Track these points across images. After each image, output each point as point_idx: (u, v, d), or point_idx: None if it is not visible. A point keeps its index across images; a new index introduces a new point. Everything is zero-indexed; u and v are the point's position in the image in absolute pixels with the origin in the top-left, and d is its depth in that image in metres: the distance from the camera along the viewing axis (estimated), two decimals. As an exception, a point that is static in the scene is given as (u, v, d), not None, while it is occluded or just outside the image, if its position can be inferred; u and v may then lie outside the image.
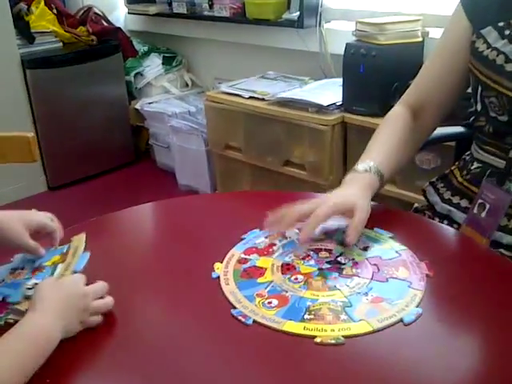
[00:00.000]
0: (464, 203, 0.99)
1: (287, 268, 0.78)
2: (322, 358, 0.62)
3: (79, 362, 0.63)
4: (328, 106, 1.90)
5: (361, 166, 0.89)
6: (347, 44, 1.86)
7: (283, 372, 0.61)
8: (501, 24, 0.91)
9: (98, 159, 2.96)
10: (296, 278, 0.75)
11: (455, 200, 1.01)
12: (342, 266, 0.77)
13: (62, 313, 0.64)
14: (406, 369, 0.59)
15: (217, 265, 0.79)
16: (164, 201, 1.05)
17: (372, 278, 0.74)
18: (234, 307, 0.70)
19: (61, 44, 2.85)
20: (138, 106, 2.94)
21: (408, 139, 0.99)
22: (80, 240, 0.80)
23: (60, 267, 0.75)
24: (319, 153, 1.94)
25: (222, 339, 0.66)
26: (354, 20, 1.93)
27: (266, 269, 0.78)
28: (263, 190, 2.03)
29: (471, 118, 0.98)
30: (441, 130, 1.21)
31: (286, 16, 2.26)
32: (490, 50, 0.91)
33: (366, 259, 0.79)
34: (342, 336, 0.64)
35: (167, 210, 1.04)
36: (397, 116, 1.01)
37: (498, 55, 0.90)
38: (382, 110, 1.77)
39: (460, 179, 1.01)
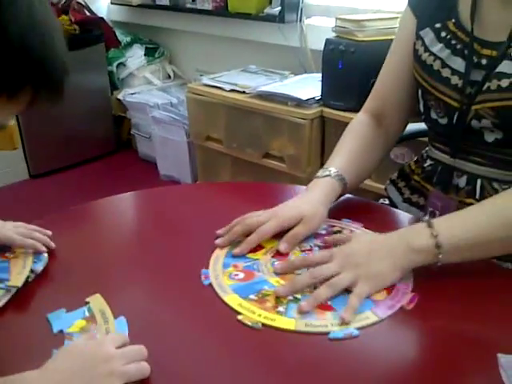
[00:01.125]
0: (422, 201, 1.00)
1: (281, 253, 0.79)
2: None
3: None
4: (307, 100, 1.93)
5: (321, 172, 0.89)
6: (327, 40, 1.88)
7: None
8: (437, 25, 0.90)
9: (80, 148, 2.96)
10: (279, 264, 0.76)
11: (414, 199, 1.02)
12: None
13: (73, 379, 0.54)
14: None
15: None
16: (146, 190, 1.05)
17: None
18: (207, 268, 0.76)
19: (43, 32, 2.83)
20: (120, 97, 2.94)
21: (372, 145, 0.98)
22: (99, 302, 0.69)
23: (96, 335, 0.64)
24: (298, 146, 1.98)
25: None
26: (334, 16, 1.95)
27: (264, 248, 0.80)
28: (244, 181, 2.04)
29: (421, 117, 1.00)
30: (413, 126, 1.24)
31: (267, 11, 2.28)
32: (427, 54, 0.91)
33: None
34: (262, 324, 0.65)
35: (150, 199, 1.04)
36: (359, 124, 1.00)
37: (434, 60, 0.90)
38: (359, 105, 1.75)
39: (416, 177, 1.03)
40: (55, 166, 2.88)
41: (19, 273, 0.73)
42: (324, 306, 0.68)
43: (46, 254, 0.78)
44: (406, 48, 0.96)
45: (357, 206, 0.97)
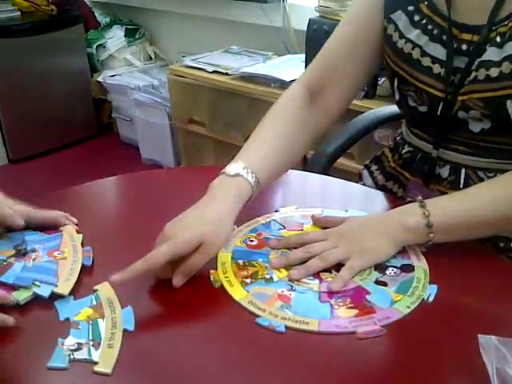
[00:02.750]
0: (400, 192, 0.97)
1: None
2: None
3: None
4: (290, 81, 1.91)
5: (231, 168, 0.75)
6: (310, 20, 1.86)
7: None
8: (410, 8, 0.84)
9: (60, 132, 2.92)
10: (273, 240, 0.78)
11: (389, 185, 0.99)
12: (332, 270, 0.71)
13: None
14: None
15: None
16: (129, 174, 1.02)
17: (320, 292, 0.68)
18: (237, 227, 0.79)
19: (19, 13, 2.77)
20: (100, 79, 2.90)
21: (299, 132, 0.86)
22: (107, 290, 0.67)
23: (103, 324, 0.62)
24: (282, 128, 1.96)
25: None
26: (317, -4, 1.93)
27: (302, 230, 0.79)
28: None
29: (395, 102, 0.94)
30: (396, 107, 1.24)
31: (249, -10, 2.24)
32: (403, 40, 0.84)
33: (359, 285, 0.69)
34: (221, 285, 0.68)
35: (133, 183, 1.02)
36: (288, 101, 0.89)
37: (413, 48, 0.84)
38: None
39: (392, 164, 0.98)
40: (35, 150, 2.84)
41: (66, 279, 0.69)
42: (283, 296, 0.67)
43: (91, 259, 0.75)
44: (363, 22, 0.89)
45: (337, 188, 0.96)
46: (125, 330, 0.61)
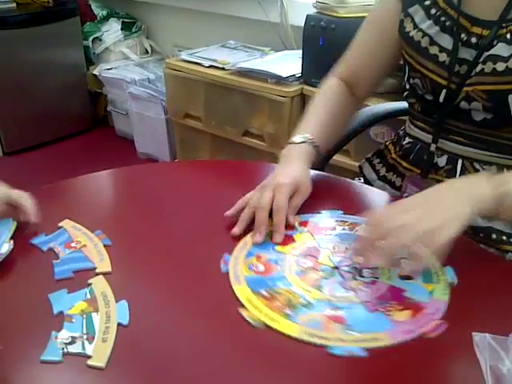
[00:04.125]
0: (398, 181, 1.00)
1: (310, 253, 0.74)
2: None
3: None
4: (287, 77, 1.92)
5: (297, 137, 0.89)
6: (307, 16, 1.86)
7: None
8: (427, 2, 0.89)
9: (55, 125, 2.91)
10: (304, 263, 0.72)
11: (389, 176, 1.03)
12: (357, 277, 0.69)
13: None
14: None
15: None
16: (124, 168, 1.02)
17: (363, 302, 0.65)
18: (230, 254, 0.74)
19: (14, 4, 2.76)
20: (96, 72, 2.88)
21: (344, 109, 1.00)
22: (102, 283, 0.68)
23: (97, 318, 0.62)
24: (278, 124, 1.96)
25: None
26: (315, -9, 1.92)
27: (295, 242, 0.76)
28: (224, 160, 2.02)
29: (404, 93, 1.00)
30: (394, 105, 1.25)
31: (247, -15, 2.24)
32: (415, 30, 0.89)
33: (391, 285, 0.67)
34: (265, 324, 0.62)
35: (128, 177, 1.02)
36: (332, 88, 1.02)
37: (422, 37, 0.88)
38: (340, 83, 1.84)
39: (393, 155, 1.02)
40: (30, 143, 2.83)
41: (101, 260, 0.72)
42: (335, 318, 0.62)
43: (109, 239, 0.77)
44: (384, 24, 0.96)
45: (334, 185, 0.96)
46: (119, 324, 0.61)
